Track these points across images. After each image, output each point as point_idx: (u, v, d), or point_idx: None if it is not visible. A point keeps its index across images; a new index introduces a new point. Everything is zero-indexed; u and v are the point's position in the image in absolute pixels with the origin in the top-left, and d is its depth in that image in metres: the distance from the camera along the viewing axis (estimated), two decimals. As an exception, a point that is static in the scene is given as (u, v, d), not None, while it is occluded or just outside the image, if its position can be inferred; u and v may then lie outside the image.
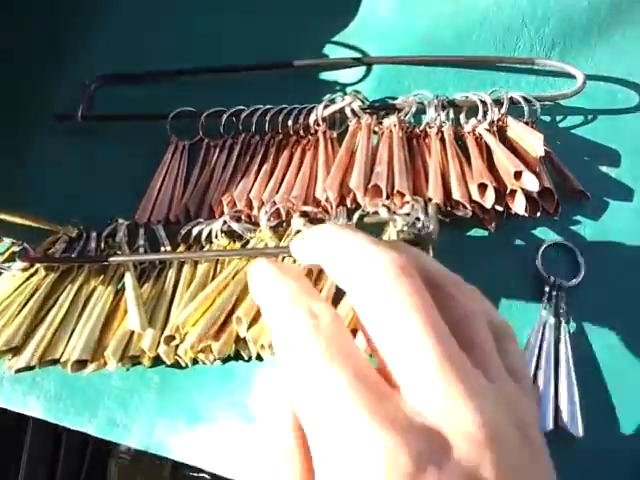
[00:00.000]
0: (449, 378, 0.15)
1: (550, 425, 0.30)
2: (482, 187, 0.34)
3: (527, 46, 0.42)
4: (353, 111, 0.38)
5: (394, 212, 0.31)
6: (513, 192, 0.34)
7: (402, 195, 0.33)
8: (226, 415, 0.33)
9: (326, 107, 0.38)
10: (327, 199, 0.34)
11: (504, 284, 0.35)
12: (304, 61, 0.40)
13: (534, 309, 0.34)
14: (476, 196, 0.33)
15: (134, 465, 0.53)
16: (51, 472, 0.52)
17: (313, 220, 0.33)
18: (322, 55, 0.43)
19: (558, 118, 0.40)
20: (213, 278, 0.34)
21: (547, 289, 0.34)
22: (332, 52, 0.43)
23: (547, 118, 0.40)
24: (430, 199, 0.33)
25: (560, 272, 0.35)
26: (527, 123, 0.38)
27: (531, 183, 0.33)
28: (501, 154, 0.35)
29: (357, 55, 0.42)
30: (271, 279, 0.19)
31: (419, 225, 0.30)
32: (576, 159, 0.38)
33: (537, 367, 0.32)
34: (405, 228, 0.31)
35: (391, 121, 0.37)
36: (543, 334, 0.33)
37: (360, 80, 0.42)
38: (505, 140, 0.37)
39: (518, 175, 0.34)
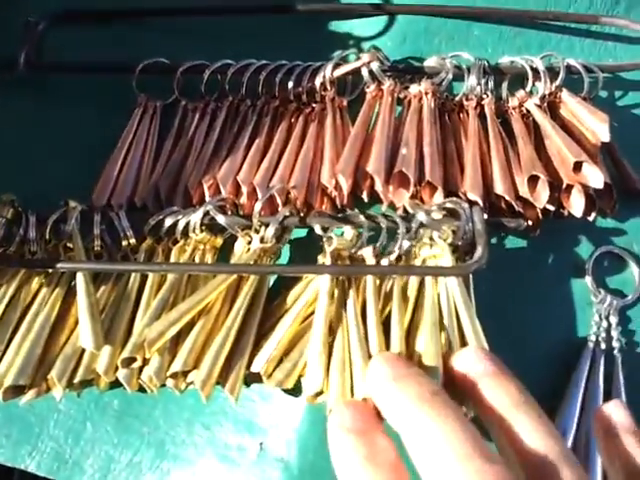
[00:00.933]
0: None
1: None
2: (531, 180, 0.27)
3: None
4: (372, 73, 0.30)
5: (428, 212, 0.25)
6: (569, 188, 0.27)
7: (433, 188, 0.26)
8: (200, 454, 0.26)
9: (336, 67, 0.30)
10: (337, 186, 0.27)
11: (543, 300, 0.29)
12: (310, 5, 0.32)
13: (581, 332, 0.28)
14: (525, 192, 0.26)
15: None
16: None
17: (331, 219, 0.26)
18: (333, -1, 0.34)
19: (617, 94, 0.33)
20: (188, 281, 0.27)
21: (597, 307, 0.28)
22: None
23: (602, 93, 0.33)
24: (469, 200, 0.26)
25: (613, 286, 0.29)
26: (584, 99, 0.31)
27: (594, 178, 0.27)
28: (557, 139, 0.28)
29: (377, 0, 0.33)
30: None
31: (466, 236, 0.23)
32: (637, 147, 0.31)
33: (583, 406, 0.27)
34: (450, 240, 0.24)
35: (422, 88, 0.29)
36: (592, 365, 0.27)
37: (380, 34, 0.33)
38: (556, 120, 0.30)
39: (577, 167, 0.27)
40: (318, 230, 0.26)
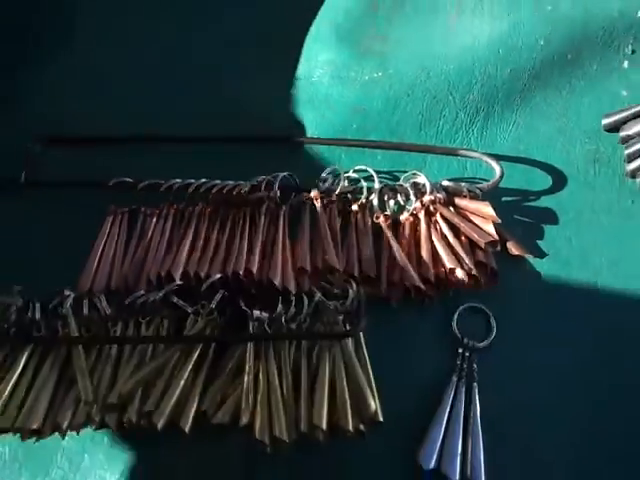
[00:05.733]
0: None
1: (457, 476, 0.33)
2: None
3: (452, 114, 0.44)
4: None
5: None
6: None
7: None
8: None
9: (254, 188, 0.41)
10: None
11: (422, 345, 0.38)
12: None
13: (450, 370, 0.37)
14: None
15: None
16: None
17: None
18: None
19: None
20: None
21: (461, 350, 0.37)
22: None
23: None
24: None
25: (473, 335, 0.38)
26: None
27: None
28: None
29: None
30: None
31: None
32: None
33: (448, 424, 0.35)
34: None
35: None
36: (455, 393, 0.36)
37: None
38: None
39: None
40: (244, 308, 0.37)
